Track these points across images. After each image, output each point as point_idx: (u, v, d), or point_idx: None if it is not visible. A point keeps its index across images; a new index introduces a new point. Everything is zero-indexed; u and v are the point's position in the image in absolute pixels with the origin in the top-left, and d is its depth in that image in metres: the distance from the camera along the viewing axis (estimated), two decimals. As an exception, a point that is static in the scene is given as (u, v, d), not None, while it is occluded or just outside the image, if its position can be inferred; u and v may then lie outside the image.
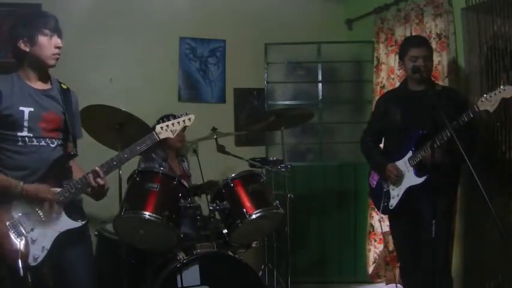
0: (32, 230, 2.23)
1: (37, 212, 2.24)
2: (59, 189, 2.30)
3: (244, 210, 3.04)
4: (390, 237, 4.21)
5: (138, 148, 2.44)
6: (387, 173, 3.13)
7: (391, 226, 3.40)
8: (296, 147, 4.91)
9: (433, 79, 3.36)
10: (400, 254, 3.33)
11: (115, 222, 2.90)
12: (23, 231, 2.21)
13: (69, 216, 2.31)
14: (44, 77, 2.41)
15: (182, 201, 3.02)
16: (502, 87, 2.66)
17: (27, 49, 2.31)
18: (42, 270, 2.23)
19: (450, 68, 3.60)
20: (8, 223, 2.19)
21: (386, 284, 4.39)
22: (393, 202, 3.13)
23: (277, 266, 3.93)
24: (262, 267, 3.94)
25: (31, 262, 2.19)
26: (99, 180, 2.32)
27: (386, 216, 3.46)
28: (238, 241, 3.20)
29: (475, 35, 3.43)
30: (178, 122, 2.57)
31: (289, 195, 3.60)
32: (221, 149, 3.80)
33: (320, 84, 4.78)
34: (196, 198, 3.75)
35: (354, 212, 4.63)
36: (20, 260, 2.13)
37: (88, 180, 2.31)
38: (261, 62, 4.73)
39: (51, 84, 2.44)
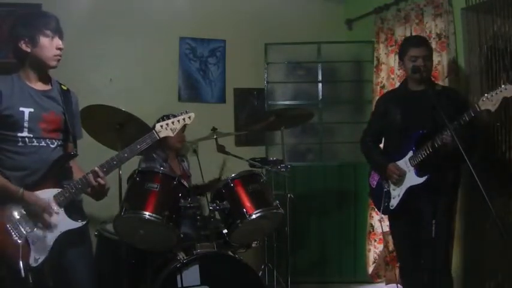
0: (33, 230, 2.23)
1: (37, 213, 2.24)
2: (59, 190, 2.30)
3: (244, 210, 3.04)
4: (390, 237, 4.21)
5: (139, 147, 2.44)
6: (388, 172, 3.12)
7: (391, 226, 3.40)
8: (296, 147, 4.91)
9: (433, 79, 3.36)
10: (400, 254, 3.33)
11: (115, 222, 2.90)
12: (24, 232, 2.21)
13: (70, 217, 2.31)
14: (44, 78, 2.41)
15: (182, 201, 3.02)
16: (503, 86, 2.65)
17: (28, 49, 2.31)
18: (43, 270, 2.23)
19: (450, 68, 3.60)
20: (9, 224, 2.19)
21: (386, 284, 4.39)
22: (394, 202, 3.13)
23: (277, 266, 3.93)
24: (262, 267, 3.94)
25: (32, 263, 2.19)
26: (99, 180, 2.32)
27: (386, 216, 3.46)
28: (238, 241, 3.20)
29: (475, 35, 3.43)
30: (178, 120, 2.56)
31: (289, 195, 3.60)
32: (221, 149, 3.80)
33: (320, 84, 4.78)
34: (199, 197, 3.76)
35: (354, 212, 4.63)
36: (21, 261, 2.13)
37: (88, 180, 2.31)
38: (261, 62, 4.74)
39: (51, 85, 2.44)
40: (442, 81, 3.58)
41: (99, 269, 2.96)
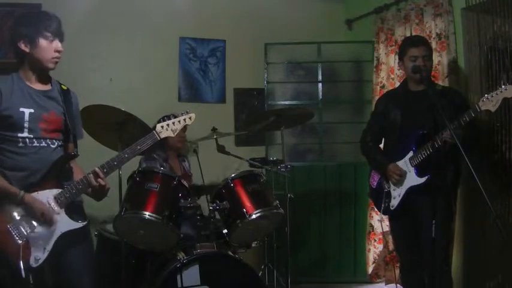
0: (34, 231, 2.23)
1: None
2: (59, 190, 2.30)
3: (244, 210, 3.04)
4: (390, 237, 4.22)
5: (139, 148, 2.44)
6: (389, 173, 3.12)
7: (391, 226, 3.40)
8: (296, 147, 4.91)
9: (432, 79, 3.36)
10: (401, 253, 3.33)
11: (115, 222, 2.90)
12: (25, 232, 2.21)
13: (70, 217, 2.31)
14: (44, 78, 2.41)
15: (182, 201, 3.02)
16: (503, 86, 2.64)
17: (27, 50, 2.31)
18: (43, 270, 2.23)
19: (450, 68, 3.60)
20: (9, 224, 2.20)
21: (386, 284, 4.39)
22: (394, 202, 3.12)
23: (277, 266, 3.93)
24: (262, 267, 3.94)
25: (32, 263, 2.19)
26: (99, 180, 2.32)
27: (386, 216, 3.46)
28: (238, 241, 3.20)
29: (475, 35, 3.43)
30: (179, 121, 2.57)
31: (289, 195, 3.60)
32: (221, 149, 3.80)
33: (320, 84, 4.78)
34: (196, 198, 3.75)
35: (354, 212, 4.64)
36: (21, 261, 2.13)
37: (89, 181, 2.31)
38: (261, 62, 4.73)
39: (52, 85, 2.44)
40: (442, 81, 3.58)
41: (99, 269, 2.96)
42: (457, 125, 2.72)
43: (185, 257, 2.95)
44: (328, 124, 4.84)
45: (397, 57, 4.14)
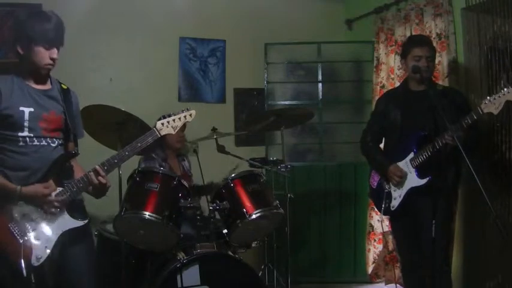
0: (35, 229, 2.23)
1: (39, 211, 2.24)
2: (60, 189, 2.30)
3: (244, 210, 3.04)
4: (390, 237, 4.22)
5: (140, 145, 2.44)
6: (389, 174, 3.10)
7: (392, 227, 3.39)
8: (296, 147, 4.91)
9: (433, 79, 3.35)
10: (402, 254, 3.32)
11: (115, 222, 2.90)
12: (26, 231, 2.21)
13: (71, 216, 2.31)
14: (43, 78, 2.41)
15: (182, 201, 3.02)
16: (506, 89, 2.62)
17: (23, 53, 2.31)
18: (44, 269, 2.23)
19: (450, 68, 3.59)
20: (10, 223, 2.20)
21: (386, 284, 4.39)
22: (395, 203, 3.11)
23: (277, 266, 3.93)
24: (262, 267, 3.94)
25: (34, 262, 2.19)
26: (100, 178, 2.32)
27: (386, 216, 3.46)
28: (238, 241, 3.20)
29: (475, 35, 3.43)
30: (179, 118, 2.56)
31: (289, 195, 3.60)
32: (221, 149, 3.80)
33: (320, 84, 4.78)
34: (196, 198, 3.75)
35: (354, 212, 4.64)
36: (22, 260, 2.13)
37: (90, 179, 2.31)
38: (261, 62, 4.73)
39: (51, 85, 2.44)
40: (442, 81, 3.58)
41: (99, 269, 2.96)
42: (459, 127, 2.71)
43: (185, 257, 2.95)
44: (328, 124, 4.84)
45: (397, 57, 4.15)
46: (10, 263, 2.15)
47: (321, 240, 4.63)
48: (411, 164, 3.03)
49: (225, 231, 3.10)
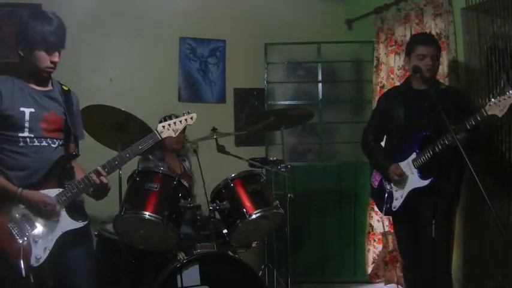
0: (34, 230, 2.23)
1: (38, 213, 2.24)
2: (60, 190, 2.30)
3: (244, 210, 3.04)
4: (389, 237, 4.22)
5: (140, 147, 2.44)
6: (390, 174, 3.08)
7: (394, 227, 3.34)
8: (296, 147, 4.91)
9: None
10: (403, 254, 3.29)
11: (115, 222, 2.90)
12: (25, 231, 2.21)
13: (71, 217, 2.31)
14: (45, 80, 2.41)
15: (182, 201, 3.02)
16: (511, 91, 2.58)
17: (24, 55, 2.32)
18: (43, 270, 2.23)
19: (450, 68, 3.59)
20: (10, 223, 2.20)
21: (386, 284, 4.39)
22: (396, 204, 3.09)
23: (277, 266, 3.93)
24: (262, 267, 3.94)
25: (33, 263, 2.19)
26: (102, 178, 2.32)
27: (386, 216, 3.44)
28: (238, 241, 3.20)
29: (475, 35, 3.43)
30: (180, 121, 2.57)
31: (289, 195, 3.60)
32: (221, 149, 3.80)
33: (320, 84, 4.78)
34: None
35: (354, 212, 4.63)
36: (22, 260, 2.13)
37: (92, 179, 2.31)
38: (261, 62, 4.74)
39: (52, 86, 2.45)
40: (442, 81, 3.57)
41: (99, 269, 2.96)
42: (462, 128, 2.69)
43: (185, 257, 2.95)
44: (328, 124, 4.84)
45: (397, 57, 4.15)
46: (9, 264, 2.15)
47: (321, 240, 4.63)
48: (413, 165, 3.00)
49: (225, 231, 3.10)
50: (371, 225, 4.39)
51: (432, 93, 2.82)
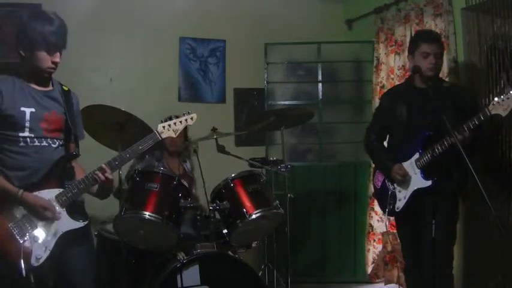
0: (35, 230, 2.23)
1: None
2: (61, 190, 2.30)
3: (244, 210, 3.04)
4: (389, 237, 4.22)
5: (141, 148, 2.44)
6: (393, 174, 3.05)
7: (397, 228, 3.31)
8: (296, 147, 4.91)
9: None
10: (406, 255, 3.24)
11: (115, 222, 2.90)
12: (26, 231, 2.21)
13: (71, 217, 2.31)
14: (45, 80, 2.41)
15: (182, 201, 3.02)
16: None
17: (25, 56, 2.32)
18: (44, 270, 2.23)
19: (450, 68, 3.59)
20: (10, 223, 2.20)
21: (385, 284, 4.39)
22: (399, 204, 3.05)
23: (277, 266, 3.93)
24: (262, 267, 3.94)
25: (33, 262, 2.19)
26: (107, 174, 2.32)
27: (386, 216, 3.43)
28: (238, 241, 3.20)
29: (475, 35, 3.43)
30: (181, 121, 2.57)
31: (289, 195, 3.60)
32: (221, 149, 3.79)
33: (320, 84, 4.78)
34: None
35: (354, 212, 4.64)
36: (22, 260, 2.13)
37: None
38: (261, 62, 4.74)
39: (52, 86, 2.45)
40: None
41: (99, 269, 2.96)
42: (465, 128, 2.67)
43: (185, 257, 2.95)
44: (328, 124, 4.84)
45: (397, 57, 4.15)
46: (10, 263, 2.15)
47: (321, 240, 4.63)
48: (416, 165, 2.97)
49: (225, 231, 3.10)
50: (371, 225, 4.39)
51: (431, 94, 2.80)
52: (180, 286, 2.88)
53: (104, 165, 2.35)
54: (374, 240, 4.40)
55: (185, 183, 3.10)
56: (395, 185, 3.11)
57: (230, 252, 3.13)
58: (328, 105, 4.81)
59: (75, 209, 2.35)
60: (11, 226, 2.19)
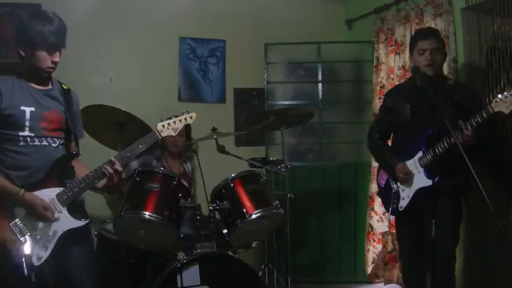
0: (36, 229, 2.23)
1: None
2: (61, 189, 2.30)
3: (244, 210, 3.04)
4: (389, 237, 4.22)
5: (140, 147, 2.45)
6: (396, 173, 3.03)
7: (396, 227, 3.28)
8: (296, 147, 4.91)
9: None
10: (405, 255, 3.23)
11: (115, 222, 2.91)
12: (27, 230, 2.21)
13: (72, 216, 2.31)
14: (45, 80, 2.41)
15: (182, 201, 3.02)
16: None
17: (25, 55, 2.32)
18: (44, 269, 2.23)
19: (450, 68, 3.59)
20: (12, 223, 2.20)
21: (385, 284, 4.39)
22: (403, 203, 3.04)
23: (277, 266, 3.93)
24: (262, 267, 3.94)
25: (35, 262, 2.19)
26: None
27: (386, 216, 3.43)
28: (238, 241, 3.20)
29: (475, 35, 3.43)
30: (180, 120, 2.58)
31: (289, 195, 3.60)
32: (221, 149, 3.80)
33: (320, 84, 4.78)
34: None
35: (354, 212, 4.64)
36: (23, 259, 2.14)
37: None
38: (261, 62, 4.73)
39: (52, 85, 2.45)
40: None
41: (99, 269, 2.96)
42: (468, 126, 2.66)
43: (185, 257, 2.95)
44: (328, 124, 4.84)
45: (397, 57, 4.15)
46: (11, 263, 2.15)
47: (321, 240, 4.63)
48: (420, 164, 2.95)
49: (225, 231, 3.10)
50: (371, 225, 4.39)
51: (429, 92, 2.79)
52: (180, 286, 2.88)
53: (113, 158, 2.36)
54: (374, 240, 4.40)
55: (185, 183, 3.10)
56: (398, 183, 3.09)
57: (230, 252, 3.13)
58: (328, 105, 4.81)
59: (75, 208, 2.36)
60: (12, 226, 2.19)
